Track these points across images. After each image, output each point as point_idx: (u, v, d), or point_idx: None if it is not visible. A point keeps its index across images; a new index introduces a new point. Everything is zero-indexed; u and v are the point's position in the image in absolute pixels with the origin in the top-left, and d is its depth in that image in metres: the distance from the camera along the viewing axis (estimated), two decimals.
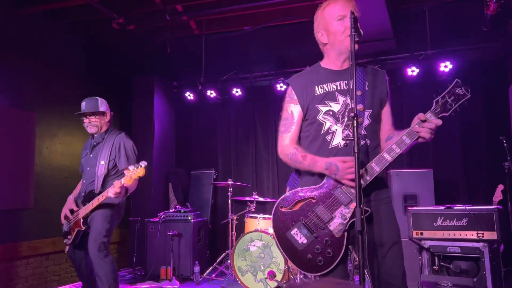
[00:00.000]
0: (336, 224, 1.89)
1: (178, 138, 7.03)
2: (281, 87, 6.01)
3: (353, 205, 1.87)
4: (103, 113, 3.66)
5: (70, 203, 3.59)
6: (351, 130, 1.85)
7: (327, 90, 2.05)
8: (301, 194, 1.98)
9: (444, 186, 5.27)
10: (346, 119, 1.97)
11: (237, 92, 6.26)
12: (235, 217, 5.36)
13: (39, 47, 5.18)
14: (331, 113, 2.01)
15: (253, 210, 5.32)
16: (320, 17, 2.11)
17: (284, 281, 4.41)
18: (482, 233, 3.62)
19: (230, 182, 5.38)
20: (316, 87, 2.07)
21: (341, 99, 2.02)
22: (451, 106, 1.85)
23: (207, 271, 5.40)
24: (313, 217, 1.93)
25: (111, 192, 3.23)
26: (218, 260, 5.44)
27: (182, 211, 5.72)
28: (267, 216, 5.08)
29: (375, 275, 1.91)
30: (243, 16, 5.63)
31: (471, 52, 5.31)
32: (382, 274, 1.89)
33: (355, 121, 1.76)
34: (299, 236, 1.94)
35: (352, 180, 1.82)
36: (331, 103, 2.02)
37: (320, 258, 1.89)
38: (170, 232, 5.44)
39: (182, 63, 6.67)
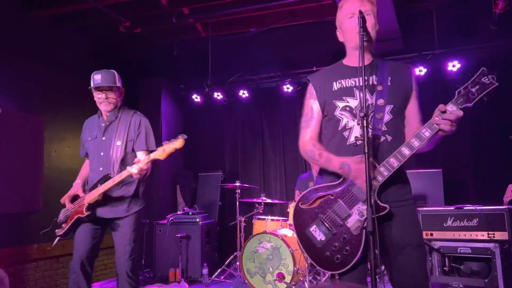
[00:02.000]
0: (353, 221, 1.87)
1: (185, 140, 7.03)
2: (287, 88, 6.00)
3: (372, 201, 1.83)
4: (119, 89, 3.21)
5: (74, 189, 3.16)
6: (370, 126, 1.86)
7: (345, 86, 2.04)
8: (320, 190, 1.98)
9: (453, 186, 5.23)
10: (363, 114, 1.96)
11: (243, 94, 6.26)
12: (243, 219, 5.35)
13: (47, 51, 5.22)
14: (348, 109, 2.00)
15: (261, 211, 5.31)
16: (337, 15, 2.12)
17: (293, 283, 4.40)
18: (493, 234, 3.58)
19: (237, 184, 5.38)
20: (334, 82, 2.06)
21: (359, 94, 1.99)
22: (474, 96, 1.75)
23: (216, 273, 5.39)
24: (331, 214, 1.93)
25: (136, 168, 2.79)
26: (226, 262, 5.44)
27: (190, 213, 5.72)
28: (275, 218, 5.07)
29: (394, 277, 1.88)
30: (249, 18, 5.63)
31: (480, 51, 5.27)
32: (402, 277, 1.86)
33: (365, 121, 1.74)
34: (317, 233, 1.94)
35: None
36: (349, 99, 2.00)
37: (338, 255, 1.88)
38: (178, 234, 5.44)
39: (189, 65, 6.69)
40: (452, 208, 3.84)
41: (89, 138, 3.20)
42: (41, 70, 5.09)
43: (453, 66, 5.16)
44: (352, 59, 2.08)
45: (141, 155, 3.06)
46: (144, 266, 5.75)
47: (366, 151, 1.71)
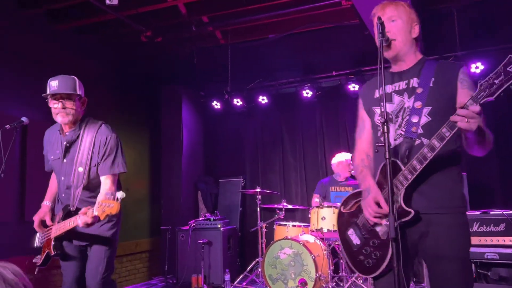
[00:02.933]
0: (381, 226, 1.88)
1: (206, 147, 7.11)
2: (307, 93, 6.00)
3: (397, 206, 1.81)
4: (80, 98, 2.74)
5: (42, 213, 2.82)
6: (403, 129, 1.85)
7: (386, 92, 2.02)
8: (357, 194, 2.01)
9: (478, 190, 5.10)
10: (400, 118, 1.93)
11: (263, 99, 6.29)
12: (264, 225, 5.35)
13: (72, 62, 5.36)
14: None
15: (282, 217, 5.30)
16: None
17: None
18: None
19: (258, 190, 5.39)
20: (377, 90, 2.07)
21: (397, 99, 1.97)
22: (497, 87, 1.58)
23: (238, 279, 5.40)
24: (363, 219, 1.95)
25: (81, 220, 2.40)
26: (248, 268, 5.44)
27: (212, 219, 5.76)
28: (296, 223, 5.06)
29: None
30: (268, 24, 5.67)
31: (503, 51, 5.14)
32: None
33: (385, 127, 1.72)
34: (354, 237, 1.99)
35: (372, 216, 1.86)
36: (386, 104, 1.97)
37: (368, 260, 1.90)
38: (200, 240, 5.48)
39: (208, 72, 6.76)
40: (478, 213, 3.76)
41: (52, 157, 2.81)
42: None
43: (477, 67, 5.06)
44: (392, 64, 2.08)
45: (104, 181, 2.65)
46: (167, 272, 5.80)
47: (387, 157, 1.70)
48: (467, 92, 1.84)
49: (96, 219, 2.40)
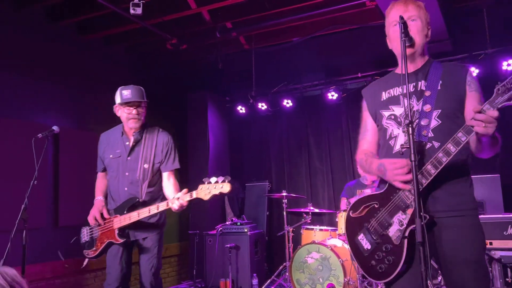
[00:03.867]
0: (394, 230, 1.84)
1: (232, 151, 7.15)
2: (332, 96, 5.96)
3: (410, 210, 1.79)
4: (146, 105, 3.09)
5: (100, 206, 3.05)
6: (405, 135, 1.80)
7: (393, 95, 2.02)
8: (367, 199, 1.98)
9: None
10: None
11: (287, 103, 6.28)
12: (291, 229, 5.33)
13: (99, 70, 5.52)
14: (393, 117, 1.98)
15: (309, 221, 5.26)
16: (385, 23, 2.09)
17: None
18: None
19: (284, 194, 5.37)
20: (384, 92, 2.05)
21: (405, 102, 1.95)
22: None
23: (266, 284, 5.39)
24: (374, 223, 1.92)
25: (176, 204, 2.77)
26: (276, 273, 5.42)
27: (239, 223, 5.78)
28: (323, 227, 5.01)
29: None
30: (291, 28, 5.66)
31: None
32: None
33: (410, 129, 1.69)
34: (364, 242, 1.95)
35: (403, 182, 1.78)
36: (394, 107, 1.98)
37: (381, 265, 1.86)
38: (227, 245, 5.50)
39: (233, 78, 6.81)
40: None
41: (111, 156, 3.09)
42: (94, 89, 5.37)
43: (508, 65, 4.91)
44: (400, 66, 2.03)
45: (166, 176, 3.05)
46: (195, 277, 5.85)
47: (413, 159, 1.65)
48: (475, 95, 1.86)
49: (186, 203, 2.79)
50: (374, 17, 5.05)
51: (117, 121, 3.19)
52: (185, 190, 2.80)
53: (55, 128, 3.33)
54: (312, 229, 4.98)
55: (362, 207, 1.98)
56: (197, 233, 6.05)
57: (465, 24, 5.30)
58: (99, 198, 3.13)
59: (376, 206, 1.93)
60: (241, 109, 6.59)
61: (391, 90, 2.03)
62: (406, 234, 1.78)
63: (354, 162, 5.92)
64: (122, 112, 3.04)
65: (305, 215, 5.34)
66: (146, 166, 2.99)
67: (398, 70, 2.08)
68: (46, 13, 4.85)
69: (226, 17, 5.19)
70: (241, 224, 5.75)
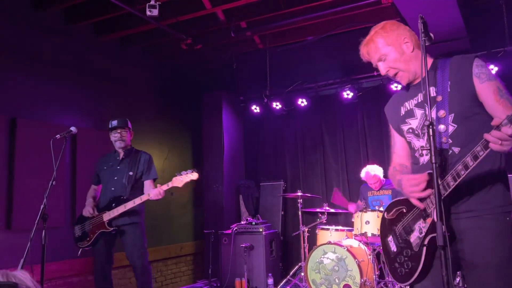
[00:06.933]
0: (414, 237, 1.86)
1: (246, 151, 7.15)
2: (347, 94, 5.90)
3: (429, 220, 1.78)
4: (129, 130, 4.06)
5: (91, 204, 3.93)
6: (427, 142, 1.76)
7: (408, 108, 2.00)
8: (399, 203, 2.02)
9: None
10: (426, 131, 1.82)
11: (302, 102, 6.25)
12: (306, 229, 5.30)
13: (116, 71, 5.58)
14: (411, 130, 1.97)
15: (325, 221, 5.23)
16: None
17: None
18: None
19: (299, 194, 5.35)
20: (402, 107, 2.05)
21: (418, 113, 1.93)
22: None
23: (281, 284, 5.38)
24: (400, 227, 1.96)
25: (154, 193, 3.64)
26: (291, 273, 5.41)
27: (254, 223, 5.78)
28: (339, 227, 4.98)
29: None
30: (306, 27, 5.63)
31: None
32: None
33: (430, 130, 1.65)
34: (392, 244, 2.01)
35: (418, 199, 1.78)
36: (410, 120, 1.98)
37: (401, 268, 1.91)
38: (242, 244, 5.51)
39: (247, 77, 6.81)
40: None
41: (105, 167, 4.03)
42: (113, 89, 5.44)
43: None
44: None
45: (148, 184, 3.96)
46: (211, 276, 5.87)
47: (433, 161, 1.62)
48: (488, 85, 1.75)
49: (164, 193, 3.69)
50: (390, 15, 4.99)
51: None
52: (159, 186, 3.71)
53: (73, 128, 3.38)
54: (328, 229, 4.95)
55: (394, 210, 2.03)
56: (212, 233, 6.06)
57: (483, 21, 5.20)
58: (89, 199, 4.00)
59: (404, 210, 1.97)
60: (256, 109, 6.58)
61: (406, 103, 2.01)
62: (425, 242, 1.78)
63: (371, 161, 5.85)
64: (111, 136, 4.01)
65: (320, 215, 5.31)
66: (131, 173, 3.93)
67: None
68: (65, 14, 4.92)
69: (240, 16, 5.19)
70: (256, 224, 5.75)
